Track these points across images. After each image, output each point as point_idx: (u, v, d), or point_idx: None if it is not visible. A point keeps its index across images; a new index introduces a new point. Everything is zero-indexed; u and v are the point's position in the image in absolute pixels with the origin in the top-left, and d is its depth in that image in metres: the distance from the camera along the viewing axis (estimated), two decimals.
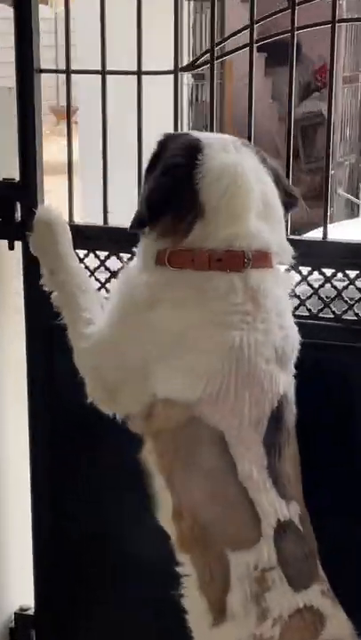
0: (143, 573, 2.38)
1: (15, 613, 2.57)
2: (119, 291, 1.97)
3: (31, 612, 2.57)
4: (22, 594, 2.60)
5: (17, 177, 2.35)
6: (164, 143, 1.91)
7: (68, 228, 2.15)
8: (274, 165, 1.96)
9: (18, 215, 2.33)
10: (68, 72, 2.34)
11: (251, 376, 1.81)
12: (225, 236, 1.80)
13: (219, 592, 1.84)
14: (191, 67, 2.25)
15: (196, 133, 1.96)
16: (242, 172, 1.83)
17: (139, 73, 2.25)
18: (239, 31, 2.17)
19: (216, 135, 2.02)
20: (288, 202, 1.98)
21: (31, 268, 2.31)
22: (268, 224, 1.87)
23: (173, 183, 1.83)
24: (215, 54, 2.19)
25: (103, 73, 2.30)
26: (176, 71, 2.21)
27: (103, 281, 2.31)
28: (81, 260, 2.28)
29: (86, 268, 2.28)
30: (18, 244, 2.37)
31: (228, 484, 1.83)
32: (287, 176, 2.11)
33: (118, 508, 2.37)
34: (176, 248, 1.83)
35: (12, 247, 2.39)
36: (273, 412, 1.84)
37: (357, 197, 7.49)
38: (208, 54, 2.20)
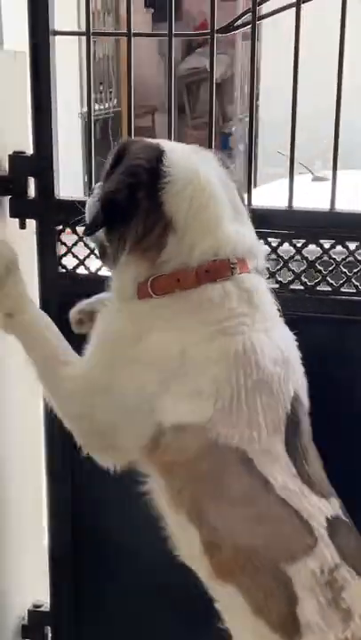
0: (161, 567, 2.27)
1: (28, 610, 2.54)
2: (102, 331, 1.87)
3: (45, 608, 2.54)
4: (34, 591, 2.57)
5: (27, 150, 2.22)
6: (125, 147, 1.84)
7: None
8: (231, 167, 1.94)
9: (31, 192, 2.21)
10: (88, 35, 2.20)
11: (261, 381, 1.77)
12: (206, 249, 1.77)
13: (283, 608, 1.76)
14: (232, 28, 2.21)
15: (156, 140, 1.90)
16: (207, 179, 1.80)
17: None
18: None
19: (175, 143, 1.95)
20: None
21: (45, 247, 2.25)
22: (243, 226, 1.85)
23: (134, 183, 1.76)
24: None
25: (129, 35, 2.15)
26: (213, 33, 2.11)
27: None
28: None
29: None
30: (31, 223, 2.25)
31: (267, 501, 1.77)
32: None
33: (136, 503, 2.29)
34: (156, 273, 1.78)
35: (23, 226, 2.26)
36: (288, 416, 1.80)
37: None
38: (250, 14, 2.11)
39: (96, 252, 2.18)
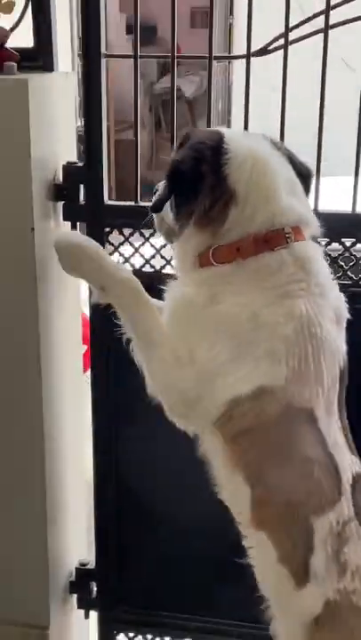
0: (199, 527, 2.35)
1: (76, 568, 2.54)
2: (174, 304, 1.83)
3: (90, 566, 2.54)
4: (81, 551, 2.60)
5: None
6: (188, 135, 1.85)
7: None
8: (284, 146, 1.90)
9: (81, 198, 2.22)
10: (135, 57, 2.22)
11: (322, 340, 1.74)
12: (264, 218, 1.75)
13: (302, 558, 1.75)
14: (264, 51, 2.16)
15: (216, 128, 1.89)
16: (264, 154, 1.79)
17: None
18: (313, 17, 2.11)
19: (236, 129, 1.98)
20: (303, 178, 1.90)
21: None
22: (297, 199, 1.82)
23: (200, 159, 1.76)
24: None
25: (173, 57, 2.27)
26: (248, 56, 2.13)
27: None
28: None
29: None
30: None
31: (320, 459, 1.74)
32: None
33: (178, 465, 2.27)
34: (217, 243, 1.77)
35: (74, 229, 2.27)
36: (341, 372, 1.80)
37: None
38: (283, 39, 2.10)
39: (142, 250, 2.22)
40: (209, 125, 2.28)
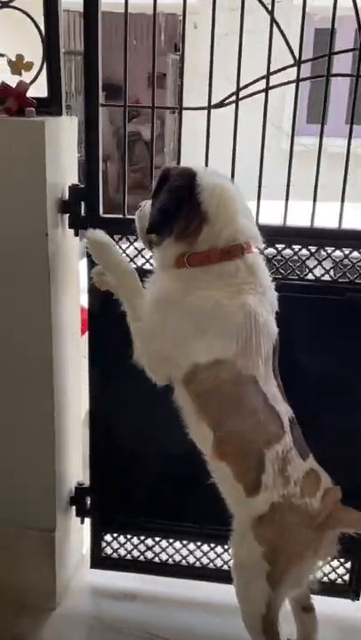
0: (171, 452, 2.34)
1: (75, 487, 2.55)
2: (155, 292, 1.88)
3: (85, 485, 2.54)
4: (78, 474, 2.59)
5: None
6: (168, 171, 1.85)
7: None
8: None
9: (82, 212, 2.23)
10: (125, 106, 2.23)
11: (262, 325, 1.80)
12: (228, 234, 1.79)
13: (254, 476, 1.84)
14: (220, 104, 2.12)
15: (187, 165, 1.88)
16: (227, 186, 1.83)
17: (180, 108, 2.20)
18: (259, 79, 2.10)
19: (202, 166, 1.96)
20: None
21: None
22: (249, 220, 1.87)
23: (179, 197, 1.79)
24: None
25: (153, 108, 2.22)
26: (209, 108, 2.13)
27: None
28: None
29: None
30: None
31: (264, 409, 1.83)
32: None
33: (153, 408, 2.27)
34: (191, 251, 1.80)
35: (77, 235, 2.30)
36: (274, 347, 1.86)
37: None
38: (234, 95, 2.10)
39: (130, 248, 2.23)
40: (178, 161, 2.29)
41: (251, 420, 1.84)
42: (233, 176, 2.15)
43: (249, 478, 1.85)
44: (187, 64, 2.17)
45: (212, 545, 2.50)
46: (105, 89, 2.24)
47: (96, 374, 2.39)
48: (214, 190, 1.79)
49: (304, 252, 2.19)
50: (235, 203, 1.82)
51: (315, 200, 2.15)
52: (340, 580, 2.47)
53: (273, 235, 2.14)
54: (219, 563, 2.51)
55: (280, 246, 2.19)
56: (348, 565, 2.45)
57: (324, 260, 2.18)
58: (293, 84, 2.10)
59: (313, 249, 2.18)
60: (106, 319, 2.20)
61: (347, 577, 2.46)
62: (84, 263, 2.25)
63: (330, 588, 2.43)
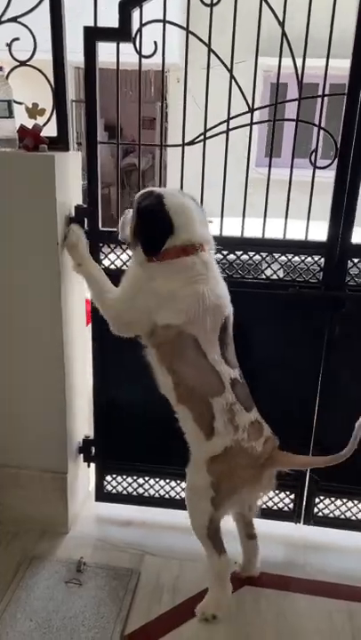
0: (158, 410, 2.22)
1: (82, 440, 2.53)
2: (129, 276, 1.91)
3: (91, 438, 2.52)
4: (84, 429, 2.55)
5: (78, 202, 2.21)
6: (142, 196, 1.86)
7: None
8: (193, 197, 1.91)
9: (85, 226, 2.18)
10: (117, 144, 2.20)
11: (210, 306, 1.79)
12: (186, 238, 1.79)
13: (208, 421, 1.84)
14: (191, 142, 2.08)
15: (157, 189, 1.86)
16: (188, 204, 1.82)
17: (161, 145, 2.17)
18: (234, 117, 2.05)
19: (167, 189, 1.92)
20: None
21: (93, 255, 2.16)
22: (205, 228, 1.86)
23: (157, 219, 1.81)
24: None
25: (139, 145, 2.17)
26: (183, 145, 2.10)
27: None
28: None
29: None
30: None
31: (205, 364, 1.81)
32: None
33: (142, 377, 2.25)
34: (149, 254, 1.82)
35: None
36: (222, 324, 1.83)
37: None
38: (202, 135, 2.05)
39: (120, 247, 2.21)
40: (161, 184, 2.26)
41: (193, 371, 1.83)
42: (202, 197, 2.13)
43: (205, 423, 1.85)
44: (172, 110, 2.13)
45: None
46: (107, 129, 2.20)
47: (97, 353, 2.36)
48: (179, 206, 1.80)
49: (258, 257, 2.17)
50: (193, 216, 1.81)
51: (265, 217, 2.13)
52: (286, 507, 2.47)
53: (234, 244, 2.14)
54: None
55: (239, 252, 2.17)
56: (292, 496, 2.45)
57: (272, 263, 2.17)
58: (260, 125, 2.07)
59: (265, 254, 2.16)
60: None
61: (291, 505, 2.47)
62: None
63: (279, 514, 2.45)
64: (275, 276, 2.16)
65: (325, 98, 2.00)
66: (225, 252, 2.15)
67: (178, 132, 2.11)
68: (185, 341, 1.80)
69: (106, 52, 2.05)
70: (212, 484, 1.87)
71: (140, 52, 1.96)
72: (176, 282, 1.79)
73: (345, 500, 2.41)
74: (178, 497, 2.52)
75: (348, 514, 2.41)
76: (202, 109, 2.04)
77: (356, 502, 2.40)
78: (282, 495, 2.45)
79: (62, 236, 2.10)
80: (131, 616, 2.02)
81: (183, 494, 2.50)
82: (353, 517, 2.41)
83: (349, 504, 2.41)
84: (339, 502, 2.41)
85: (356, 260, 2.11)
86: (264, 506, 2.42)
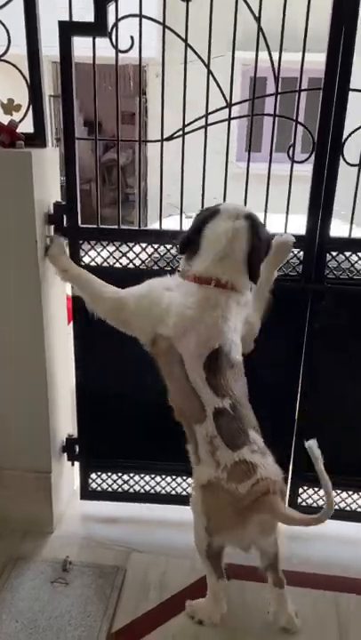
0: (142, 408, 2.34)
1: (66, 438, 2.51)
2: (154, 280, 1.89)
3: (74, 436, 2.51)
4: (68, 428, 2.54)
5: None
6: (209, 208, 1.86)
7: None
8: (259, 235, 1.81)
9: (64, 223, 2.17)
10: (95, 140, 2.17)
11: (197, 330, 1.75)
12: (200, 269, 1.80)
13: (195, 446, 1.78)
14: (170, 138, 2.08)
15: (224, 205, 1.84)
16: (220, 235, 1.77)
17: (139, 141, 2.16)
18: (212, 112, 2.04)
19: (231, 206, 1.84)
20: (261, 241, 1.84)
21: (73, 251, 2.18)
22: (221, 264, 1.78)
23: (193, 231, 1.83)
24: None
25: (118, 140, 2.13)
26: (162, 140, 2.08)
27: None
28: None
29: None
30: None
31: (187, 385, 1.75)
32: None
33: (125, 375, 2.30)
34: (187, 271, 1.83)
35: None
36: (210, 353, 1.74)
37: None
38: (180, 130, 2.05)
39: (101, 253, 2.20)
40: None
41: (177, 389, 1.79)
42: (182, 192, 2.12)
43: (193, 447, 1.79)
44: (152, 105, 2.12)
45: (174, 476, 2.50)
46: (86, 124, 2.18)
47: (79, 345, 2.34)
48: (210, 234, 1.79)
49: None
50: (215, 249, 1.78)
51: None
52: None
53: None
54: (179, 490, 2.51)
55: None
56: None
57: None
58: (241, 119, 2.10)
59: None
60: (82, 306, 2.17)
61: None
62: None
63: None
64: None
65: (306, 93, 2.01)
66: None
67: (158, 127, 2.10)
68: (174, 357, 1.77)
69: (83, 47, 2.03)
70: (204, 511, 1.79)
71: (116, 47, 1.95)
72: (180, 299, 1.78)
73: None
74: (164, 492, 2.52)
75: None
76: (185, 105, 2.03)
77: (338, 492, 2.42)
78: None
79: (42, 238, 2.09)
80: (117, 613, 2.02)
81: (169, 489, 2.52)
82: (336, 507, 2.43)
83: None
84: (322, 493, 2.43)
85: (334, 254, 2.13)
86: None
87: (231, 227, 1.78)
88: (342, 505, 2.44)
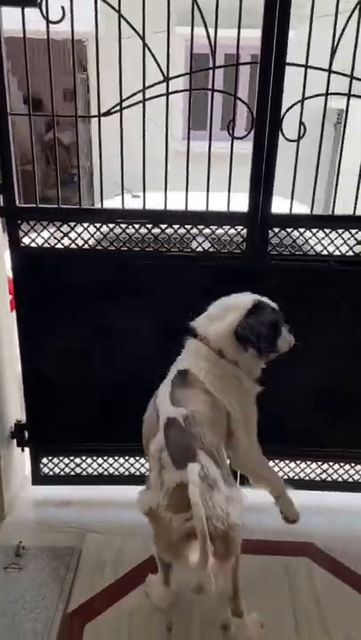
0: (88, 395, 2.33)
1: (14, 424, 2.48)
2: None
3: (23, 422, 2.48)
4: (16, 414, 2.50)
5: None
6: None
7: None
8: (261, 317, 1.75)
9: (1, 203, 2.11)
10: (29, 115, 2.09)
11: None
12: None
13: (148, 471, 1.67)
14: (107, 113, 2.04)
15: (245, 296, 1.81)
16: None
17: (75, 116, 2.09)
18: (149, 87, 1.99)
19: (242, 296, 1.81)
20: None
21: (11, 232, 2.14)
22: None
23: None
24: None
25: (53, 116, 2.08)
26: (99, 115, 2.05)
27: None
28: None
29: None
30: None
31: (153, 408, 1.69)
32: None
33: (72, 358, 2.27)
34: None
35: None
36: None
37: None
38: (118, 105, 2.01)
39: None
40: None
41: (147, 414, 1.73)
42: (122, 170, 2.08)
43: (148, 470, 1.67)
44: (92, 81, 2.07)
45: (126, 457, 2.51)
46: (27, 102, 2.09)
47: (23, 337, 2.29)
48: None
49: (183, 230, 2.15)
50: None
51: (187, 190, 2.12)
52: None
53: (157, 217, 2.12)
54: (132, 470, 2.53)
55: (163, 226, 2.15)
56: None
57: (197, 235, 2.17)
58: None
59: (189, 227, 2.15)
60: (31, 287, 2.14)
61: None
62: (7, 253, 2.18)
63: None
64: (200, 249, 2.17)
65: (250, 72, 2.00)
66: (149, 226, 2.14)
67: (102, 103, 2.05)
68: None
69: (27, 21, 1.93)
70: (153, 534, 1.59)
71: (47, 18, 1.88)
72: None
73: (277, 461, 2.51)
74: (116, 473, 2.53)
75: (281, 473, 2.52)
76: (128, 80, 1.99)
77: (287, 462, 2.51)
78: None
79: None
80: (73, 593, 2.03)
81: (122, 470, 2.53)
82: (285, 477, 2.52)
83: (281, 464, 2.52)
84: (282, 465, 2.51)
85: (276, 230, 2.16)
86: None
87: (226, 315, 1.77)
88: (291, 475, 2.53)
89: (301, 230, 2.17)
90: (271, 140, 2.02)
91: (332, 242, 2.18)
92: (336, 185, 2.18)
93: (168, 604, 1.85)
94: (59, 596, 2.01)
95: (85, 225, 2.16)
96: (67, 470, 2.53)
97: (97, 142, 2.11)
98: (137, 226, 2.14)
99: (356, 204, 2.15)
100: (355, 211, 2.17)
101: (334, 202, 2.23)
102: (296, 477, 2.53)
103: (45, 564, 2.14)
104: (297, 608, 1.99)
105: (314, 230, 2.18)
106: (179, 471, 1.46)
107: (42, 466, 2.52)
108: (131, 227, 2.15)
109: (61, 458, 2.52)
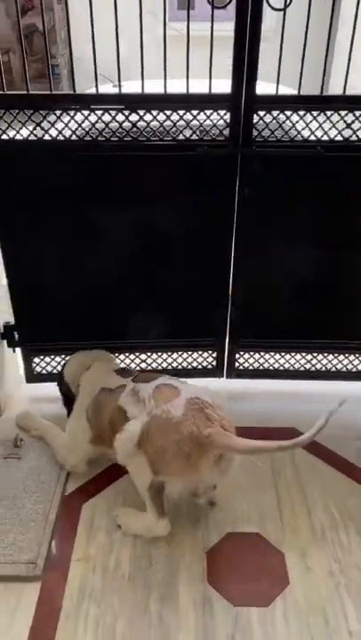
0: (74, 293, 2.34)
1: (3, 326, 2.51)
2: None
3: (12, 323, 2.51)
4: (4, 316, 2.51)
5: None
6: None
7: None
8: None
9: None
10: None
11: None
12: None
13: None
14: None
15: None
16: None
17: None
18: None
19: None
20: None
21: None
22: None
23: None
24: None
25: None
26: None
27: None
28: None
29: None
30: None
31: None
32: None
33: (57, 259, 2.27)
34: None
35: None
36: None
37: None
38: None
39: None
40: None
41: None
42: (119, 58, 1.95)
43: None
44: None
45: (116, 354, 2.55)
46: None
47: (5, 238, 2.26)
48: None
49: (162, 116, 2.04)
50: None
51: (165, 74, 2.00)
52: (209, 365, 2.62)
53: (134, 101, 2.01)
54: (123, 366, 2.59)
55: (141, 112, 2.04)
56: (214, 354, 2.59)
57: (178, 121, 2.06)
58: None
59: (169, 112, 2.04)
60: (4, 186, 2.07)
61: (214, 363, 2.62)
62: None
63: (203, 372, 2.61)
64: (181, 137, 2.07)
65: None
66: (126, 113, 2.03)
67: None
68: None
69: None
70: (148, 463, 1.81)
71: None
72: None
73: (263, 354, 2.59)
74: None
75: (266, 365, 2.61)
76: None
77: (272, 354, 2.58)
78: (205, 355, 2.58)
79: None
80: (70, 480, 2.18)
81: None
82: (270, 368, 2.61)
83: (267, 356, 2.60)
84: (257, 356, 2.60)
85: (262, 114, 2.05)
86: (189, 366, 2.57)
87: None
88: (276, 366, 2.62)
89: (288, 114, 2.06)
90: (255, 6, 1.85)
91: (320, 125, 2.08)
92: (325, 63, 2.03)
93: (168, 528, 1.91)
94: (57, 481, 2.16)
95: (58, 113, 2.04)
96: (59, 368, 2.58)
97: (75, 27, 1.94)
98: (114, 113, 2.02)
99: (346, 82, 2.02)
100: (345, 90, 2.05)
101: (323, 81, 2.09)
102: (281, 368, 2.61)
103: (43, 452, 2.27)
104: (280, 486, 2.14)
105: (301, 113, 2.06)
106: (149, 383, 1.96)
107: (35, 365, 2.60)
108: (107, 114, 2.04)
109: (53, 356, 2.59)
